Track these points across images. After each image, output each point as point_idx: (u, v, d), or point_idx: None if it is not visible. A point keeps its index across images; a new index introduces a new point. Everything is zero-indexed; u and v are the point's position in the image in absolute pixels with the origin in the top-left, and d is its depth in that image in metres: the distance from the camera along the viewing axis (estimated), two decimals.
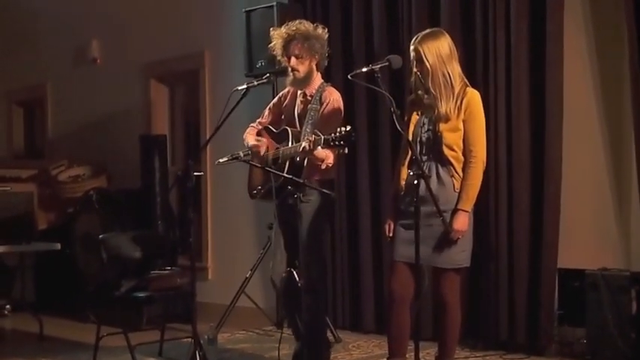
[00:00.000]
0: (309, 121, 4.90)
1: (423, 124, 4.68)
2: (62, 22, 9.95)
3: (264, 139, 5.09)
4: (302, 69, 4.97)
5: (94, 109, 9.54)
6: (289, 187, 4.60)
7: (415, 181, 4.35)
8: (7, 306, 7.99)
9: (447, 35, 4.67)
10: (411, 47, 4.65)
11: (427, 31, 4.76)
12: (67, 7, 9.83)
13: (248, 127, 5.27)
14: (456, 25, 6.04)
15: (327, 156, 4.71)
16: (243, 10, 6.96)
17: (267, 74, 5.06)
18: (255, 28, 6.75)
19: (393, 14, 6.54)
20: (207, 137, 5.84)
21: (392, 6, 6.54)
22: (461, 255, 4.64)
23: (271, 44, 5.07)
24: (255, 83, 4.93)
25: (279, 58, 5.08)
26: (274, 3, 6.64)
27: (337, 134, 4.30)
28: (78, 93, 9.80)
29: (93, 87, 9.55)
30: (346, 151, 4.36)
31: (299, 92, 5.10)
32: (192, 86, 8.62)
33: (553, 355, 5.68)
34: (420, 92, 4.69)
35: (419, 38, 4.65)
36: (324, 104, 4.95)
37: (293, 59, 4.96)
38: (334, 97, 4.99)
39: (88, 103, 9.62)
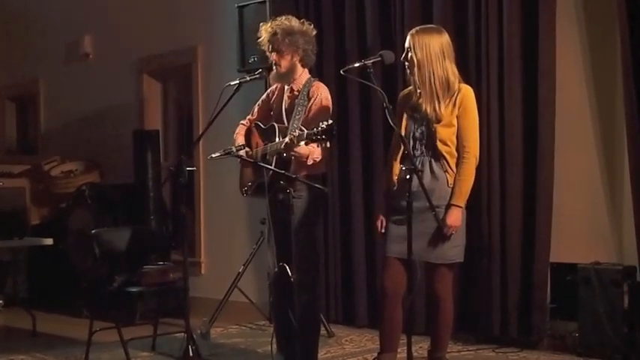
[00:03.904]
0: (297, 117, 4.89)
1: (417, 119, 4.68)
2: (54, 18, 9.93)
3: (252, 145, 5.10)
4: (283, 64, 4.96)
5: (86, 104, 9.52)
6: (281, 182, 4.59)
7: (407, 176, 4.36)
8: (0, 301, 7.98)
9: (444, 34, 4.67)
10: (407, 37, 4.67)
11: (426, 25, 4.78)
12: (60, 2, 9.82)
13: (238, 125, 5.26)
14: (448, 19, 6.04)
15: (311, 152, 4.69)
16: (236, 5, 6.95)
17: (260, 69, 5.05)
18: (248, 24, 6.73)
19: (385, 9, 6.54)
20: (200, 132, 5.84)
21: (384, 1, 6.54)
22: (454, 250, 4.65)
23: (260, 39, 5.07)
24: (248, 78, 4.94)
25: (267, 53, 5.08)
26: None
27: (318, 129, 4.30)
28: (70, 88, 9.79)
29: (85, 82, 9.53)
30: (328, 145, 4.36)
31: (286, 88, 5.09)
32: (185, 81, 8.61)
33: (545, 349, 5.69)
34: (414, 87, 4.70)
35: (415, 30, 4.68)
36: (312, 100, 4.94)
37: (274, 54, 4.96)
38: (321, 92, 4.97)
39: (81, 99, 9.61)
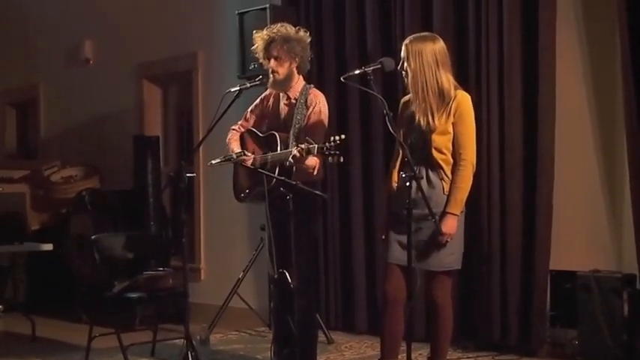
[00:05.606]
0: (297, 125, 4.90)
1: (413, 127, 4.67)
2: (55, 23, 9.94)
3: (248, 153, 5.07)
4: (281, 71, 4.97)
5: (86, 109, 9.53)
6: (282, 189, 4.59)
7: (407, 183, 4.36)
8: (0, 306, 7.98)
9: (439, 42, 4.61)
10: (402, 46, 4.67)
11: (421, 34, 4.77)
12: (60, 7, 9.82)
13: (229, 130, 5.25)
14: (448, 26, 6.05)
15: (316, 161, 4.72)
16: (237, 12, 6.96)
17: (260, 76, 5.06)
18: (248, 30, 6.69)
19: (385, 16, 6.54)
20: (200, 138, 5.83)
21: (385, 8, 6.54)
22: (450, 258, 4.63)
23: (254, 47, 5.07)
24: (248, 85, 4.94)
25: (261, 60, 5.09)
26: (267, 5, 6.64)
27: (332, 143, 4.29)
28: (71, 93, 9.79)
29: (86, 87, 9.54)
30: (342, 159, 4.36)
31: (282, 95, 5.10)
32: (185, 87, 8.61)
33: (545, 357, 5.69)
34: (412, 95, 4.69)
35: (409, 39, 4.66)
36: (311, 108, 4.95)
37: (272, 61, 4.96)
38: (320, 101, 4.99)
39: (81, 104, 9.61)
